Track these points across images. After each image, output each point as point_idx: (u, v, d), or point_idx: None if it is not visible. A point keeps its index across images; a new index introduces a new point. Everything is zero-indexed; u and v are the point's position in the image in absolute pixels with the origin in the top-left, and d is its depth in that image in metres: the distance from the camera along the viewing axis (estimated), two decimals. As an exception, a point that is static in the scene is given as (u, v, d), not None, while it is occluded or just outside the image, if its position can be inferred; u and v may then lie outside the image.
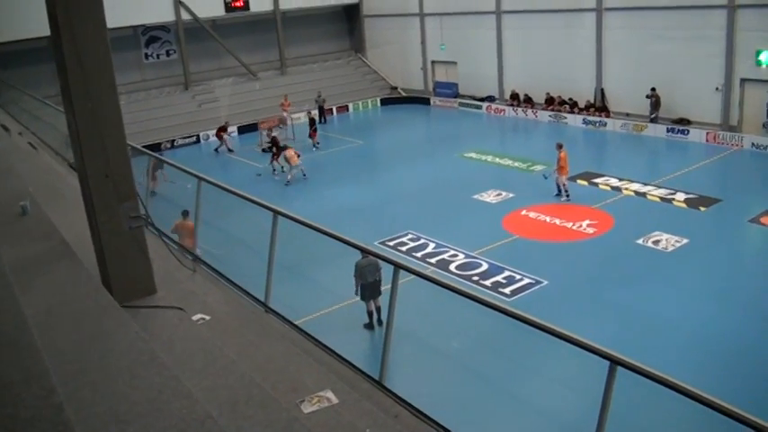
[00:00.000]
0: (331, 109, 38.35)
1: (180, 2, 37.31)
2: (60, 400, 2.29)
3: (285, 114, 33.70)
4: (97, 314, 4.31)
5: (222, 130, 32.82)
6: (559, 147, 21.81)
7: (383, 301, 13.58)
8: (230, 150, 32.32)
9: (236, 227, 18.55)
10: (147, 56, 38.64)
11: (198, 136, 35.16)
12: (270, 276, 7.10)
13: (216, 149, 32.37)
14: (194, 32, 38.28)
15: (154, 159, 13.86)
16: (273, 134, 28.92)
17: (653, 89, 29.21)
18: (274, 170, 27.28)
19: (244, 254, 15.53)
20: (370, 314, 14.19)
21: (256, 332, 6.38)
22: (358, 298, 14.13)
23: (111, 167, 5.40)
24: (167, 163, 10.28)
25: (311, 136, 31.47)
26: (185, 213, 15.27)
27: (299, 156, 26.11)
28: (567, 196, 21.60)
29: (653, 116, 29.60)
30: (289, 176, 26.01)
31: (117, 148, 5.45)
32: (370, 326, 14.23)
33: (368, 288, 13.87)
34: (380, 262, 13.01)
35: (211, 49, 39.42)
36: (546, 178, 22.20)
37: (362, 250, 8.58)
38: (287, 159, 25.99)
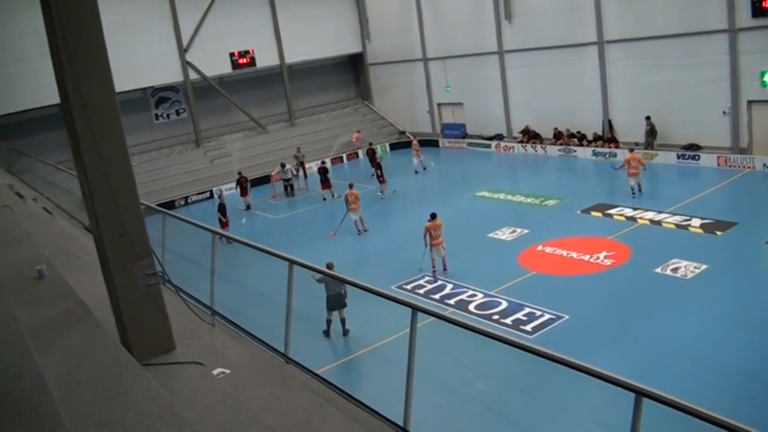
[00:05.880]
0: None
1: (188, 62, 38.04)
2: (82, 461, 2.27)
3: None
4: (117, 374, 4.30)
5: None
6: (630, 150, 25.03)
7: (403, 342, 13.48)
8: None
9: (253, 279, 18.59)
10: (157, 116, 39.29)
11: (211, 191, 35.45)
12: (288, 326, 7.08)
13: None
14: (203, 91, 38.95)
15: None
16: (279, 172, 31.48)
17: (647, 117, 29.41)
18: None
19: (262, 306, 15.50)
20: (327, 322, 15.55)
21: (277, 383, 6.33)
22: (378, 344, 14.15)
23: (126, 227, 5.46)
24: (181, 219, 10.34)
25: (326, 186, 31.47)
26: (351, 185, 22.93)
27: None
28: (638, 192, 24.37)
29: (650, 145, 29.75)
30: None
31: (130, 208, 5.52)
32: (327, 333, 15.59)
33: (331, 299, 15.30)
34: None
35: (220, 105, 40.06)
36: (616, 170, 24.98)
37: (374, 292, 8.54)
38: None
